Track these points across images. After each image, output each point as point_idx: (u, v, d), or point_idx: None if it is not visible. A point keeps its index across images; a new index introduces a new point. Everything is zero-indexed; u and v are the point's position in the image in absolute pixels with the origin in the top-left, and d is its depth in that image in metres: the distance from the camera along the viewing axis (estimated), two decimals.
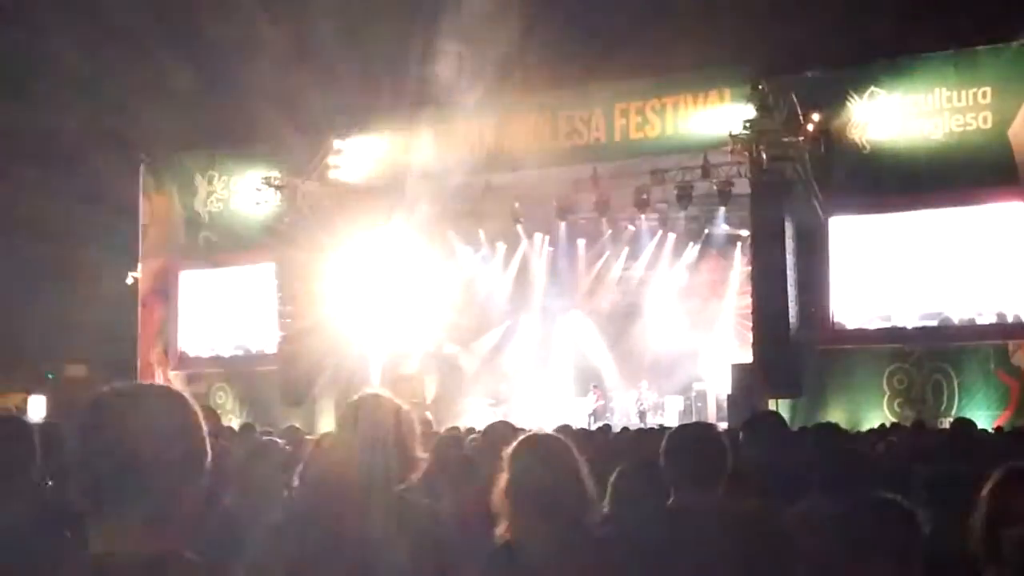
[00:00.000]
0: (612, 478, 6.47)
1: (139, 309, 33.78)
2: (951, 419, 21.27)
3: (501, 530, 4.89)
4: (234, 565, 4.60)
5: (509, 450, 5.03)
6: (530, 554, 4.73)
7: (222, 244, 32.37)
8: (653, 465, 5.59)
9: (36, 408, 35.26)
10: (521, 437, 5.15)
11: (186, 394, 2.96)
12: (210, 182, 32.65)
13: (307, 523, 4.76)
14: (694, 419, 28.13)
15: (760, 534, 5.30)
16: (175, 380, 32.33)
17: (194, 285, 33.24)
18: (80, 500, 2.79)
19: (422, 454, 4.95)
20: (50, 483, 5.60)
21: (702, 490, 5.17)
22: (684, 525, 5.11)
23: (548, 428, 14.49)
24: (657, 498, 5.35)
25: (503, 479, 4.93)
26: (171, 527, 2.83)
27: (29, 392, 37.62)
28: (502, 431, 7.39)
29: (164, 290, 33.41)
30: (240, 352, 32.20)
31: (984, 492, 4.37)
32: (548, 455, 4.95)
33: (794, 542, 5.36)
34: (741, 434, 7.45)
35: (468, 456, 7.61)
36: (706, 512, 5.13)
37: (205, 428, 2.97)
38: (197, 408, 2.96)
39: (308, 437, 13.29)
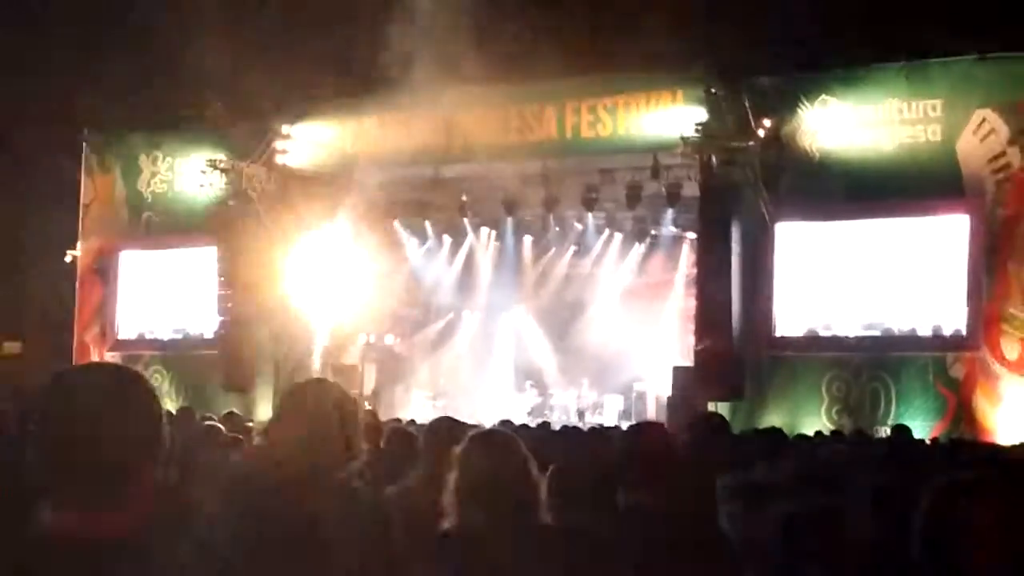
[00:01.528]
0: (548, 474, 6.44)
1: (77, 288, 33.44)
2: (888, 428, 21.51)
3: (449, 523, 4.85)
4: (180, 551, 4.51)
5: (459, 448, 5.00)
6: (479, 543, 4.69)
7: (164, 226, 32.09)
8: (592, 464, 5.56)
9: None
10: (471, 434, 5.12)
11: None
12: (154, 163, 32.36)
13: (251, 508, 4.69)
14: (633, 419, 28.21)
15: (704, 535, 5.29)
16: (110, 361, 32.06)
17: (134, 266, 32.93)
18: (34, 480, 2.71)
19: (364, 443, 4.91)
20: None
21: (651, 490, 5.14)
22: (633, 523, 5.07)
23: (488, 423, 14.49)
24: (597, 496, 5.33)
25: (452, 477, 4.90)
26: (125, 510, 2.75)
27: None
28: (447, 426, 7.31)
29: (103, 270, 33.08)
30: (179, 335, 31.94)
31: (924, 503, 4.34)
32: (498, 452, 4.93)
33: (732, 545, 5.35)
34: (684, 435, 7.44)
35: (416, 448, 7.54)
36: (655, 511, 5.10)
37: (163, 411, 2.91)
38: (155, 390, 2.89)
39: (248, 423, 13.24)
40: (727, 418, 22.57)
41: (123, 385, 2.82)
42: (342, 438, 4.67)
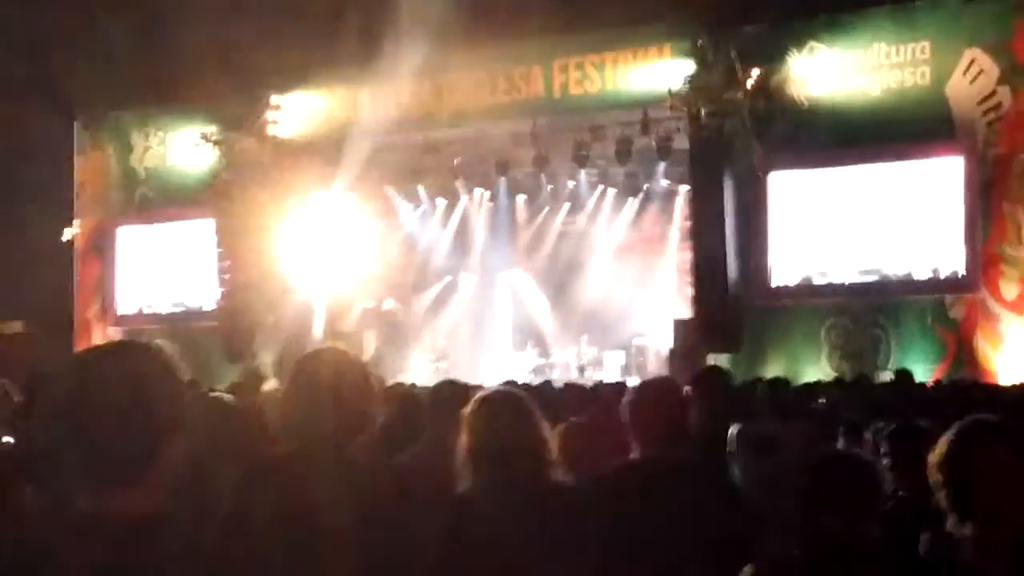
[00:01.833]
0: (561, 431, 6.52)
1: (76, 266, 33.47)
2: (889, 373, 21.58)
3: (462, 488, 4.91)
4: (205, 525, 4.58)
5: (469, 408, 5.04)
6: (492, 504, 4.76)
7: (159, 200, 32.10)
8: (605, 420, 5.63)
9: None
10: (480, 395, 5.16)
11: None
12: (146, 138, 32.33)
13: (269, 480, 4.74)
14: (634, 374, 28.31)
15: (716, 486, 5.36)
16: (112, 336, 32.12)
17: (131, 242, 32.95)
18: (62, 460, 2.75)
19: (378, 409, 4.95)
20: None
21: (660, 444, 5.21)
22: (646, 478, 5.14)
23: (490, 384, 14.56)
24: (610, 453, 5.40)
25: (463, 438, 4.94)
26: (152, 487, 2.79)
27: None
28: (451, 389, 7.38)
29: (101, 247, 33.11)
30: (179, 308, 32.01)
31: (944, 446, 4.40)
32: (508, 412, 4.98)
33: (743, 496, 5.42)
34: (689, 389, 7.49)
35: (420, 412, 7.60)
36: (668, 465, 5.17)
37: (184, 385, 2.95)
38: (175, 366, 2.93)
39: (264, 392, 13.25)
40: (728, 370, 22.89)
41: (144, 362, 2.85)
42: (358, 404, 4.70)
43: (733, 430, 6.52)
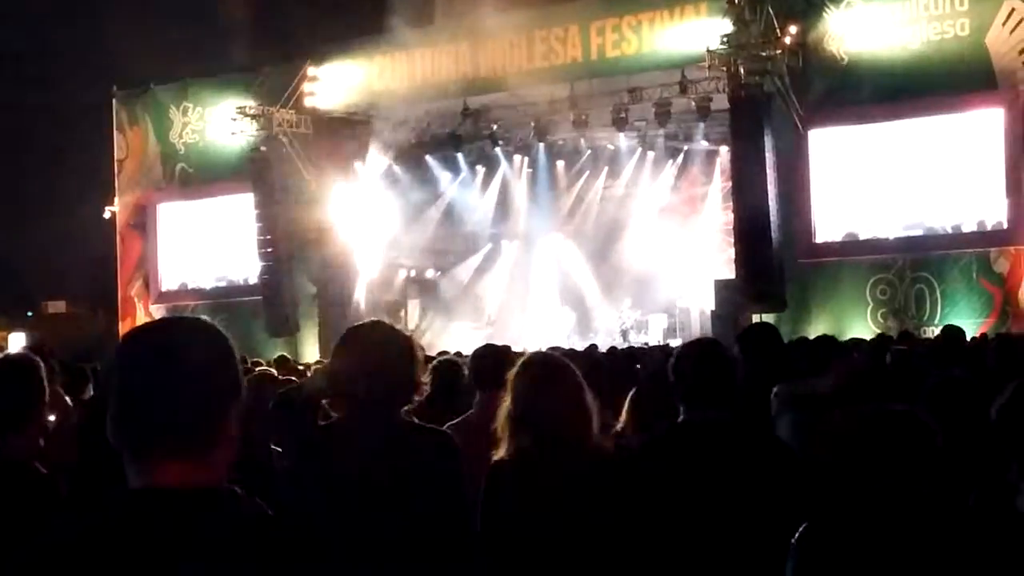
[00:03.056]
0: (629, 397, 6.54)
1: (118, 243, 33.63)
2: (935, 329, 21.44)
3: (503, 452, 4.91)
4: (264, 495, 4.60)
5: (512, 373, 5.04)
6: (531, 468, 4.75)
7: (199, 175, 32.19)
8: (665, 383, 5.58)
9: (16, 346, 35.15)
10: (524, 358, 5.15)
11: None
12: (184, 114, 32.39)
13: (322, 447, 4.77)
14: (678, 336, 28.26)
15: (761, 445, 5.32)
16: (156, 313, 32.25)
17: (172, 218, 33.10)
18: (118, 436, 2.76)
19: (424, 378, 4.96)
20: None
21: (711, 406, 5.16)
22: (693, 440, 5.11)
23: (533, 350, 14.56)
24: (671, 416, 5.36)
25: (506, 401, 4.94)
26: (213, 460, 2.80)
27: (9, 330, 37.52)
28: (492, 353, 7.37)
29: (142, 224, 33.25)
30: (221, 283, 32.14)
31: (1008, 395, 4.34)
32: (551, 375, 4.96)
33: (794, 455, 5.38)
34: (736, 348, 7.44)
35: (466, 379, 7.60)
36: (716, 427, 5.14)
37: (238, 358, 2.96)
38: (231, 338, 2.93)
39: (300, 366, 13.34)
40: None
41: (200, 335, 2.86)
42: (404, 372, 4.72)
43: (777, 388, 6.47)
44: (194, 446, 2.75)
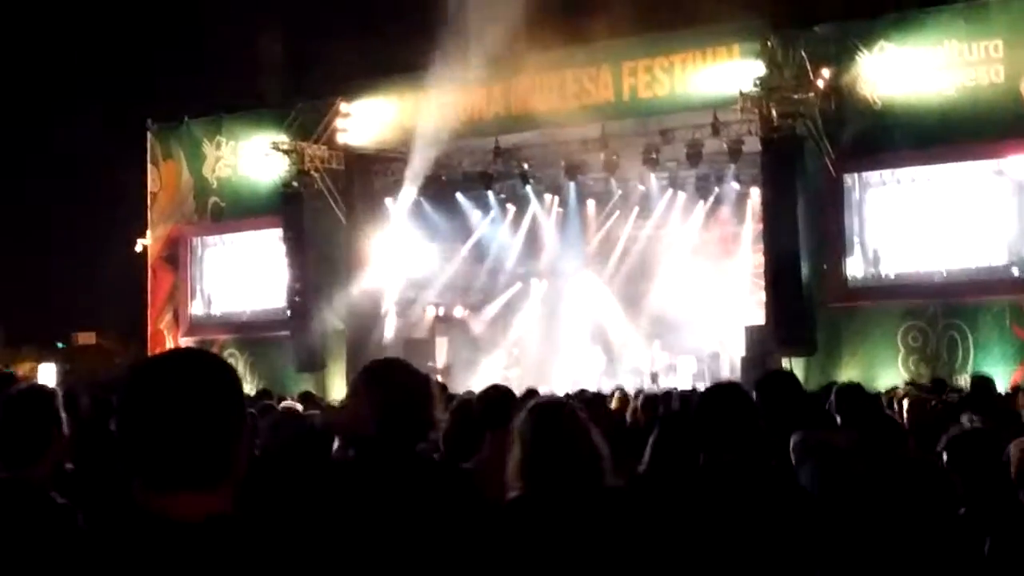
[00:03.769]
0: (651, 439, 6.52)
1: (148, 276, 33.75)
2: (967, 376, 21.28)
3: (513, 495, 4.89)
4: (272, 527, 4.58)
5: (519, 419, 5.02)
6: (545, 508, 4.72)
7: (231, 210, 32.31)
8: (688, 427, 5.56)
9: (47, 376, 35.31)
10: (530, 404, 5.13)
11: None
12: (218, 148, 32.54)
13: (338, 486, 4.76)
14: (707, 380, 28.14)
15: (780, 492, 5.27)
16: (185, 346, 32.37)
17: (203, 251, 33.23)
18: (134, 467, 2.77)
19: (440, 415, 4.95)
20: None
21: (732, 450, 5.12)
22: (710, 482, 5.07)
23: (561, 391, 14.54)
24: (691, 458, 5.33)
25: (515, 450, 4.92)
26: (225, 490, 2.82)
27: (39, 360, 37.70)
28: (498, 393, 7.33)
29: (173, 257, 33.38)
30: (251, 318, 32.16)
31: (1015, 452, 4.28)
32: (558, 421, 4.93)
33: (816, 503, 5.33)
34: (754, 394, 7.39)
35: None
36: (736, 470, 5.09)
37: (243, 390, 2.98)
38: (235, 370, 2.96)
39: (324, 402, 13.33)
40: (802, 374, 22.73)
41: (206, 367, 2.88)
42: (419, 413, 4.71)
43: (795, 436, 6.43)
44: (209, 478, 2.80)
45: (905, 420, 9.23)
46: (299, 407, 10.15)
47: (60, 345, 41.44)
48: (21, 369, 37.14)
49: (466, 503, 4.67)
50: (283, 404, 10.17)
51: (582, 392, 14.07)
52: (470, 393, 13.21)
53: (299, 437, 6.94)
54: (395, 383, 4.73)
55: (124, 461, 2.80)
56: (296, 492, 5.06)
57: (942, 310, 23.77)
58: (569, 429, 4.85)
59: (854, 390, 8.07)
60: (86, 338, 41.47)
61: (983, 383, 9.66)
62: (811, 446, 6.42)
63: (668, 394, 15.05)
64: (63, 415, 5.17)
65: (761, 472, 5.20)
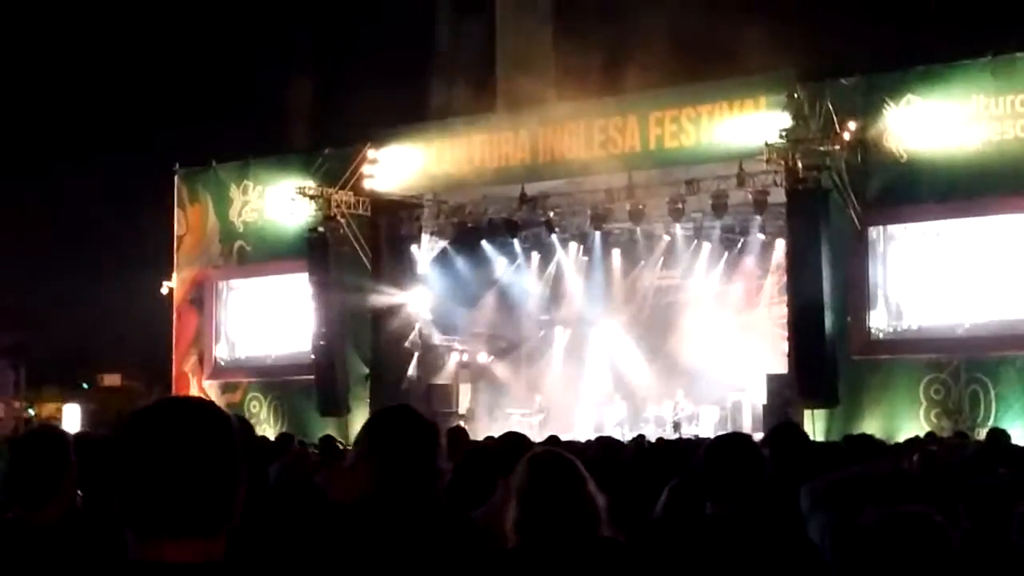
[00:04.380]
0: (668, 488, 6.53)
1: (174, 319, 33.88)
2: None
3: (509, 546, 4.89)
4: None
5: (515, 472, 5.03)
6: (539, 559, 4.72)
7: (256, 254, 32.44)
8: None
9: (71, 417, 35.44)
10: (526, 457, 5.13)
11: (220, 404, 2.99)
12: (244, 192, 32.70)
13: (338, 534, 4.77)
14: (730, 429, 28.03)
15: (788, 545, 5.26)
16: (209, 389, 32.47)
17: (229, 295, 33.38)
18: (130, 515, 2.80)
19: (445, 464, 4.96)
20: (81, 495, 5.64)
21: (736, 501, 5.13)
22: (714, 534, 5.07)
23: (583, 438, 14.54)
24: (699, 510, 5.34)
25: (512, 503, 4.93)
26: (222, 537, 2.84)
27: (64, 401, 37.82)
28: (513, 439, 7.34)
29: (199, 300, 33.51)
30: (275, 362, 32.22)
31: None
32: (554, 474, 4.93)
33: (819, 555, 5.32)
34: (766, 447, 7.40)
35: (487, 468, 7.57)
36: (740, 522, 5.09)
37: (240, 439, 2.99)
38: (232, 419, 2.98)
39: (341, 446, 13.34)
40: (824, 425, 22.70)
41: (204, 414, 2.90)
42: (422, 463, 4.72)
43: (804, 488, 6.43)
44: (209, 526, 2.81)
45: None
46: (308, 452, 10.21)
47: (85, 386, 41.57)
48: (45, 410, 37.37)
49: (465, 553, 4.68)
50: (296, 448, 10.20)
51: (599, 440, 14.00)
52: (490, 439, 13.24)
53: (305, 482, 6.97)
54: (404, 432, 4.76)
55: (120, 507, 2.81)
56: (297, 539, 5.08)
57: (965, 364, 23.68)
58: (565, 481, 4.85)
59: (866, 441, 8.09)
60: (111, 379, 41.62)
61: (997, 436, 9.65)
62: (817, 496, 6.42)
63: (688, 443, 15.03)
64: (73, 458, 5.20)
65: (766, 524, 5.20)
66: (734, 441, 5.46)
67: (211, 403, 3.05)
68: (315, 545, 4.82)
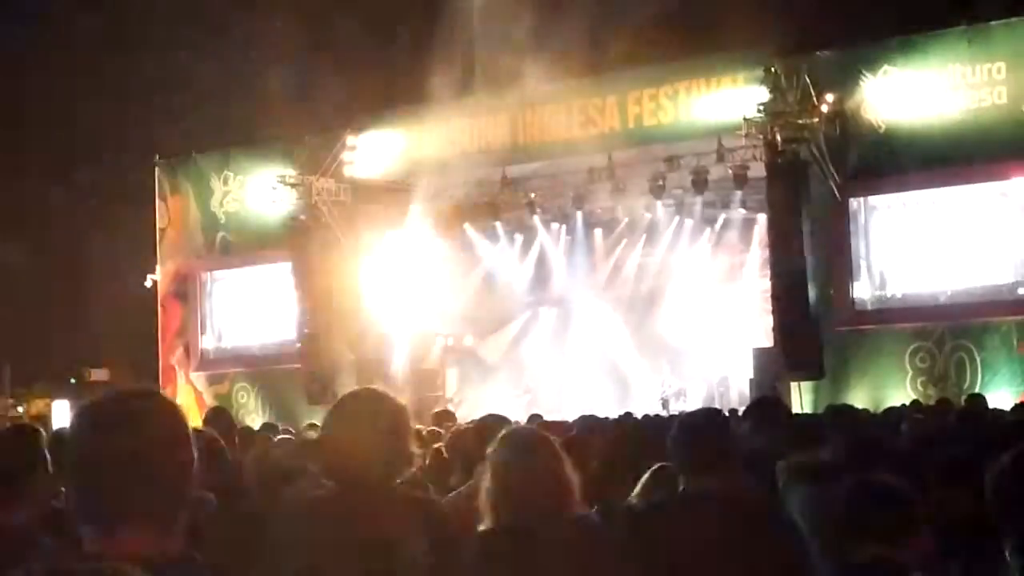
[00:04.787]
0: (653, 468, 6.54)
1: (159, 311, 33.83)
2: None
3: (484, 525, 4.90)
4: (242, 567, 4.62)
5: (490, 448, 5.04)
6: (511, 542, 4.73)
7: (239, 244, 32.39)
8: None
9: (61, 413, 35.34)
10: (501, 433, 5.15)
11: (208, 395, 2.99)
12: (225, 182, 32.63)
13: (308, 521, 4.77)
14: (717, 404, 28.11)
15: (764, 518, 5.28)
16: (197, 381, 32.48)
17: (213, 286, 33.34)
18: (84, 508, 2.80)
19: (416, 449, 4.97)
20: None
21: (705, 476, 5.15)
22: (686, 511, 5.08)
23: (571, 417, 14.57)
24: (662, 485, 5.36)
25: (486, 478, 4.94)
26: (176, 528, 2.84)
27: (53, 398, 37.72)
28: (491, 424, 7.35)
29: (183, 292, 33.45)
30: (261, 351, 32.20)
31: (993, 474, 4.30)
32: (527, 449, 4.95)
33: (796, 526, 5.34)
34: (746, 421, 7.43)
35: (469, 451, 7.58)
36: (714, 496, 5.11)
37: (191, 430, 3.00)
38: (182, 409, 2.98)
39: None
40: (810, 397, 22.78)
41: (160, 406, 2.92)
42: (394, 445, 4.72)
43: (780, 464, 6.45)
44: (162, 517, 2.81)
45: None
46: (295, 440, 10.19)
47: (73, 381, 41.47)
48: (34, 407, 37.27)
49: (436, 537, 4.69)
50: (278, 437, 10.19)
51: (582, 418, 14.02)
52: (472, 423, 13.24)
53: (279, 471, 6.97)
54: (370, 416, 4.75)
55: (72, 499, 2.82)
56: (266, 527, 5.08)
57: (949, 331, 23.76)
58: (538, 457, 4.86)
59: (847, 412, 8.10)
60: (99, 374, 41.45)
61: (974, 402, 9.68)
62: (794, 468, 6.44)
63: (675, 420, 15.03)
64: (46, 456, 5.18)
65: (740, 497, 5.21)
66: (704, 416, 5.48)
67: (158, 392, 3.05)
68: (279, 533, 4.83)
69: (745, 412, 7.33)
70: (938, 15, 24.45)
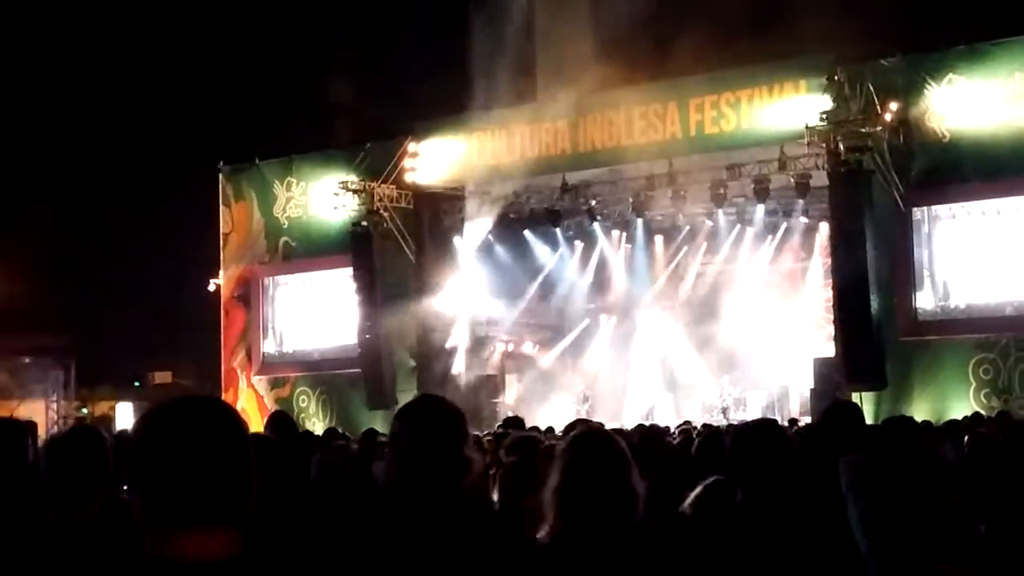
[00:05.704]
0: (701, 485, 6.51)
1: (222, 316, 34.07)
2: None
3: (545, 530, 4.90)
4: (303, 572, 4.65)
5: (561, 447, 5.03)
6: (571, 551, 4.72)
7: (302, 249, 32.56)
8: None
9: (124, 416, 35.72)
10: (573, 433, 5.14)
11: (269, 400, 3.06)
12: (288, 188, 32.82)
13: (366, 529, 4.79)
14: (777, 414, 27.98)
15: (817, 531, 5.26)
16: (258, 385, 32.67)
17: (275, 291, 33.54)
18: (153, 509, 2.86)
19: (475, 455, 4.96)
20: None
21: (762, 487, 5.13)
22: (746, 521, 5.07)
23: (630, 425, 14.54)
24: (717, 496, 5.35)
25: (553, 477, 4.93)
26: (239, 531, 2.90)
27: (117, 400, 38.11)
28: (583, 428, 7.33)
29: (246, 296, 33.66)
30: (322, 356, 32.32)
31: None
32: (598, 452, 4.93)
33: (850, 539, 5.30)
34: (817, 426, 7.39)
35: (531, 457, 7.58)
36: (763, 509, 5.09)
37: (249, 435, 3.05)
38: (243, 416, 3.04)
39: (382, 439, 13.42)
40: (872, 408, 22.54)
41: (227, 413, 2.98)
42: (451, 453, 4.72)
43: (843, 468, 6.40)
44: (223, 520, 2.86)
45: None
46: (348, 447, 10.26)
47: (137, 384, 41.87)
48: (99, 409, 37.67)
49: (489, 543, 4.68)
50: (336, 442, 10.24)
51: (643, 426, 14.01)
52: (535, 429, 13.25)
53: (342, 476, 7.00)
54: (429, 423, 4.76)
55: (137, 502, 2.88)
56: (324, 531, 5.11)
57: (1014, 342, 23.52)
58: (609, 460, 4.85)
59: (907, 422, 8.05)
60: (163, 377, 41.88)
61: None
62: (856, 477, 6.38)
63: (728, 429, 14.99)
64: (111, 457, 5.24)
65: (796, 509, 5.19)
66: (760, 428, 5.46)
67: (222, 401, 3.12)
68: (334, 536, 4.86)
69: (820, 417, 7.26)
70: (1005, 23, 24.20)
